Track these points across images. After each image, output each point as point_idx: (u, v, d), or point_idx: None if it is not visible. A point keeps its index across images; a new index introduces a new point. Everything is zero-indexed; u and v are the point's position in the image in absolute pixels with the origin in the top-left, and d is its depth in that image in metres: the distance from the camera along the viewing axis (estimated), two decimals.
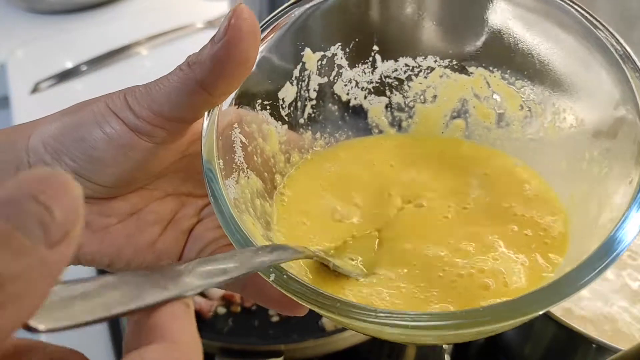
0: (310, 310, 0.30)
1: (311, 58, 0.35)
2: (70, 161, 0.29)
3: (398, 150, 0.37)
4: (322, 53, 0.35)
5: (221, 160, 0.29)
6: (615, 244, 0.25)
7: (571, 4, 0.31)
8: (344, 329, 0.56)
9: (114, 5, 1.08)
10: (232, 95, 0.30)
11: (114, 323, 0.65)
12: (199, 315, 0.62)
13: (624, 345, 0.43)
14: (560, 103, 0.34)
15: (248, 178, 0.31)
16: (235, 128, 0.31)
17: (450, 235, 0.32)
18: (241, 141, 0.31)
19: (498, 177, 0.35)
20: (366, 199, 0.35)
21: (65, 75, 0.95)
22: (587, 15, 0.31)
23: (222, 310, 0.62)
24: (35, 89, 0.93)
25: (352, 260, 0.31)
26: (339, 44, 0.35)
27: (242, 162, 0.31)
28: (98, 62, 0.96)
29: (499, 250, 0.31)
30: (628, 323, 0.46)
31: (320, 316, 0.60)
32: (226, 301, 0.62)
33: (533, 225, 0.32)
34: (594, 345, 0.43)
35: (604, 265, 0.25)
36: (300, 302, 0.26)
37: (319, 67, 0.35)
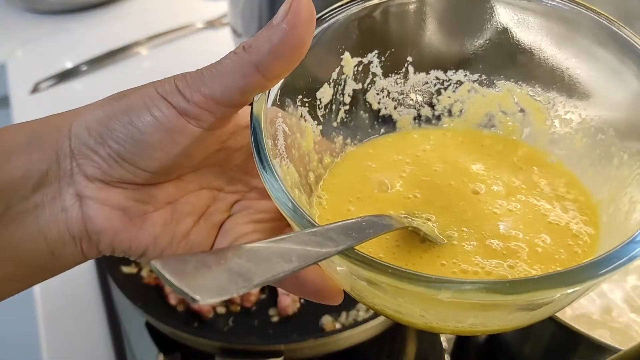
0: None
1: (349, 63, 0.35)
2: (115, 144, 0.29)
3: (434, 141, 0.38)
4: (359, 59, 0.36)
5: (270, 140, 0.30)
6: None
7: (599, 13, 0.32)
8: (343, 329, 0.56)
9: (114, 5, 1.09)
10: (277, 86, 0.31)
11: (114, 323, 0.65)
12: (199, 315, 0.62)
13: (624, 345, 0.43)
14: (588, 113, 0.34)
15: (288, 167, 0.32)
16: (279, 117, 0.32)
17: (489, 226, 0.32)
18: (284, 130, 0.32)
19: (544, 178, 0.36)
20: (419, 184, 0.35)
21: (65, 75, 0.95)
22: (618, 25, 0.31)
23: (222, 310, 0.62)
24: (35, 89, 0.93)
25: (429, 220, 0.32)
26: (376, 51, 0.36)
27: (283, 151, 0.31)
28: (98, 62, 0.96)
29: (521, 257, 0.31)
30: (628, 323, 0.46)
31: (320, 316, 0.60)
32: (226, 301, 0.62)
33: (565, 232, 0.32)
34: (594, 345, 0.43)
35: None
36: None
37: (355, 72, 0.36)
